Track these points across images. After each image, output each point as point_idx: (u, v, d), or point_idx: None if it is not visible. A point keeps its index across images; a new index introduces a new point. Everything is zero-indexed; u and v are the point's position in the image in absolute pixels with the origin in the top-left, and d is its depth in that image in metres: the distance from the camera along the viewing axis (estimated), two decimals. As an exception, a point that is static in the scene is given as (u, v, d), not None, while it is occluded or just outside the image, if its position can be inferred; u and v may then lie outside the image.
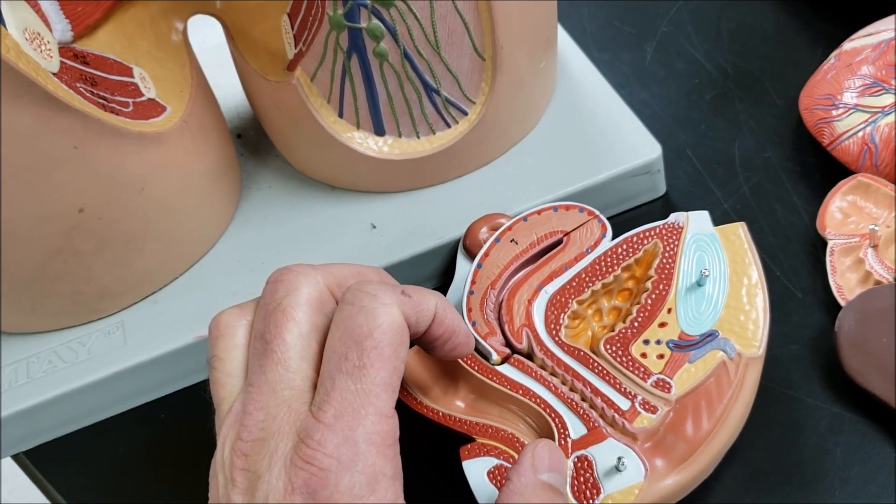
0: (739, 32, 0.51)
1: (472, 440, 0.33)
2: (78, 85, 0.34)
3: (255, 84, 0.42)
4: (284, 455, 0.26)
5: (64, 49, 0.35)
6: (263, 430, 0.27)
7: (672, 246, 0.36)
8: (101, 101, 0.35)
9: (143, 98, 0.38)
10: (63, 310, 0.39)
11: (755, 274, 0.35)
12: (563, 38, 0.48)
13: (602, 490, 0.31)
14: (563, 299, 0.36)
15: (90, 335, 0.40)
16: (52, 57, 0.34)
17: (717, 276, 0.35)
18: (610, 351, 0.34)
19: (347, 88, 0.39)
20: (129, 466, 0.39)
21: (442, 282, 0.42)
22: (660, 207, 0.44)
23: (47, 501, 0.39)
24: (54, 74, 0.33)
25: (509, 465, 0.32)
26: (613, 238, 0.37)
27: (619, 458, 0.30)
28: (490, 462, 0.32)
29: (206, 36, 0.44)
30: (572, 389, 0.33)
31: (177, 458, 0.39)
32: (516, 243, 0.38)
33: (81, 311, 0.40)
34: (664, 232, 0.36)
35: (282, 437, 0.26)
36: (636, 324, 0.34)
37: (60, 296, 0.38)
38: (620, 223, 0.42)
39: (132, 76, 0.38)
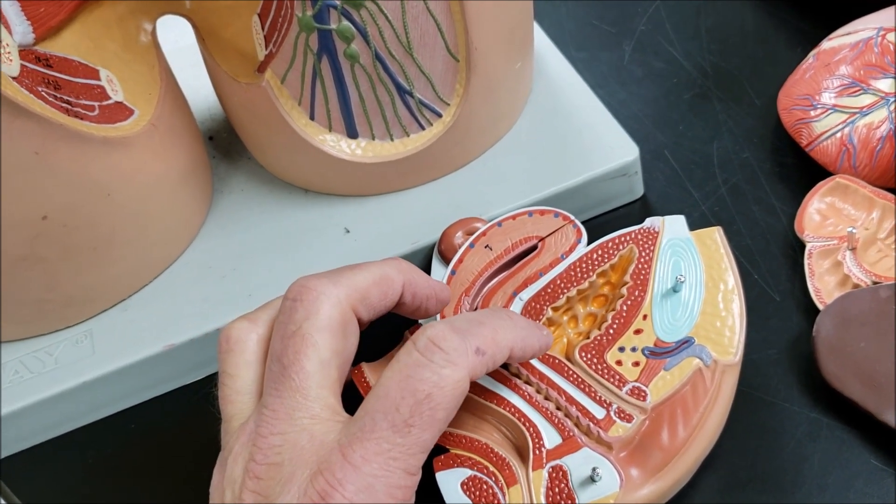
0: (718, 31, 0.51)
1: (445, 451, 0.32)
2: (40, 89, 0.34)
3: (225, 86, 0.41)
4: (301, 483, 0.25)
5: (25, 52, 0.34)
6: (279, 455, 0.26)
7: (647, 251, 0.35)
8: (64, 105, 0.34)
9: (110, 101, 0.37)
10: (29, 318, 0.38)
11: (731, 279, 0.34)
12: (541, 38, 0.48)
13: (577, 501, 0.30)
14: (538, 306, 0.35)
15: (57, 344, 0.39)
16: (11, 60, 0.33)
17: (693, 281, 0.34)
18: (585, 359, 0.33)
19: (318, 90, 0.38)
20: (97, 478, 0.38)
21: (417, 286, 0.41)
22: (637, 210, 0.43)
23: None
24: (14, 78, 0.32)
25: (483, 476, 0.31)
26: (589, 243, 0.37)
27: (594, 469, 0.30)
28: (464, 473, 0.31)
29: (178, 36, 0.43)
30: (547, 398, 0.33)
31: (146, 469, 0.38)
32: (491, 249, 0.37)
33: (48, 320, 0.39)
34: (640, 237, 0.36)
35: (299, 464, 0.26)
36: (611, 331, 0.34)
37: (26, 304, 0.37)
38: (597, 226, 0.42)
39: (98, 79, 0.37)
